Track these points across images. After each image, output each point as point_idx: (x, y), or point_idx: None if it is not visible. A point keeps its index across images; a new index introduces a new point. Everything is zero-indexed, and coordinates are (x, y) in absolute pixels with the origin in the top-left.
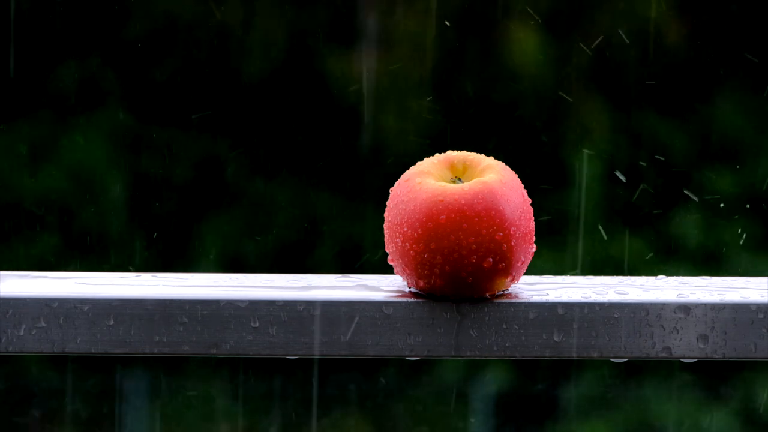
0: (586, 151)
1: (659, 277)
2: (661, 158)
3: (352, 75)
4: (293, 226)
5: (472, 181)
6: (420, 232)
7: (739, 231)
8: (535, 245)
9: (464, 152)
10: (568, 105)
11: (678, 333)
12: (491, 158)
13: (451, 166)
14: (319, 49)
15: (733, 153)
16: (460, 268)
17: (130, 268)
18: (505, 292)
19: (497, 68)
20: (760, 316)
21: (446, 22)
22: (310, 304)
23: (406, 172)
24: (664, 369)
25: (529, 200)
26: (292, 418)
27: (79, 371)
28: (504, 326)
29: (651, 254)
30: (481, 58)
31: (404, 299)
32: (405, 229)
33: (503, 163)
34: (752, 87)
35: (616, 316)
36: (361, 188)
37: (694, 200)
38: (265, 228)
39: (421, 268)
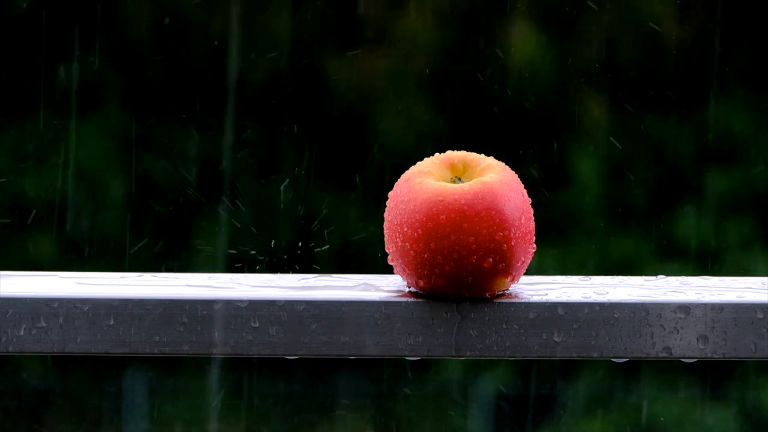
0: (586, 150)
1: (659, 277)
2: (661, 158)
3: (352, 75)
4: (293, 226)
5: (472, 181)
6: (420, 232)
7: (739, 231)
8: (535, 245)
9: (464, 152)
10: (568, 104)
11: (678, 333)
12: (491, 158)
13: (451, 166)
14: (320, 49)
15: (733, 153)
16: (460, 268)
17: (130, 268)
18: (505, 292)
19: (497, 68)
20: (760, 316)
21: (446, 22)
22: (310, 304)
23: (406, 172)
24: (664, 369)
25: (529, 200)
26: (292, 418)
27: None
28: (504, 326)
29: (651, 254)
30: (481, 57)
31: (404, 299)
32: (405, 229)
33: (503, 163)
34: (753, 87)
35: (616, 316)
36: (361, 188)
37: (694, 200)
38: (265, 228)
39: (421, 268)
